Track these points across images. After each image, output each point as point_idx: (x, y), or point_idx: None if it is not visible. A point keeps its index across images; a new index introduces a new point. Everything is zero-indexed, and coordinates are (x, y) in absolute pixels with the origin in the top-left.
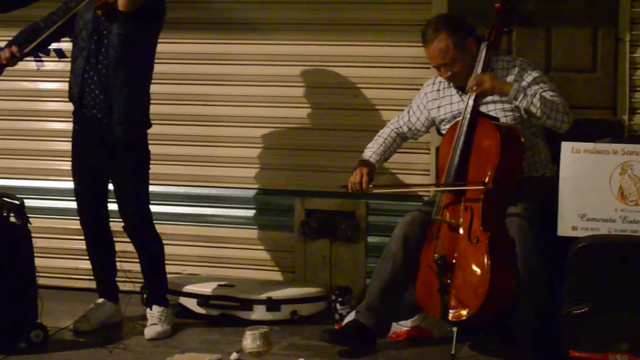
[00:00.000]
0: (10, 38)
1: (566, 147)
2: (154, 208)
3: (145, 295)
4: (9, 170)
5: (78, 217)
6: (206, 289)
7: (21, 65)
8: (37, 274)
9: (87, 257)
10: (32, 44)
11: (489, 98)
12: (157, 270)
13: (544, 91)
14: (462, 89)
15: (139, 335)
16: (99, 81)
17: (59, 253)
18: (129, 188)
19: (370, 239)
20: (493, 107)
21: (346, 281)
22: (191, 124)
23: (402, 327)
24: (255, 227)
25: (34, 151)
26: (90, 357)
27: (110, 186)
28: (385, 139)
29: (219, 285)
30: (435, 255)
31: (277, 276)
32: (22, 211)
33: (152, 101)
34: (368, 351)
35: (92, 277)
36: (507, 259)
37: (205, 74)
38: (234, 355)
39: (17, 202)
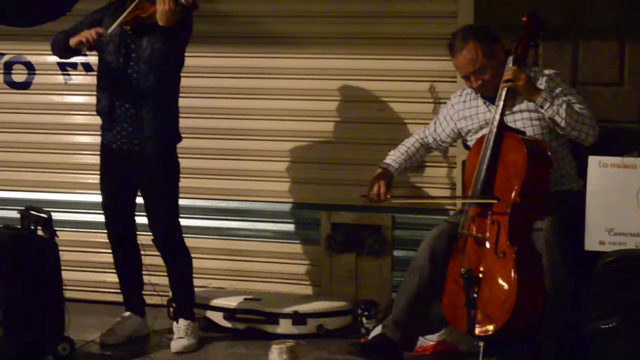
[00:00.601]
0: (42, 52)
1: (593, 161)
2: (181, 221)
3: (172, 309)
4: (37, 183)
5: (105, 230)
6: (232, 302)
7: (48, 79)
8: (64, 286)
9: (114, 270)
10: (113, 25)
11: (515, 107)
12: (185, 284)
13: (572, 103)
14: (489, 99)
15: (165, 348)
16: (129, 95)
17: (86, 266)
18: (159, 201)
19: (397, 253)
20: (520, 117)
21: (372, 295)
22: (217, 138)
23: (428, 341)
24: (282, 240)
25: (61, 164)
26: None
27: (140, 199)
28: (409, 147)
29: (245, 298)
30: (462, 269)
31: (303, 290)
32: (49, 224)
33: (180, 115)
34: None
35: (119, 291)
36: (534, 273)
37: (233, 88)
38: None
39: (45, 215)
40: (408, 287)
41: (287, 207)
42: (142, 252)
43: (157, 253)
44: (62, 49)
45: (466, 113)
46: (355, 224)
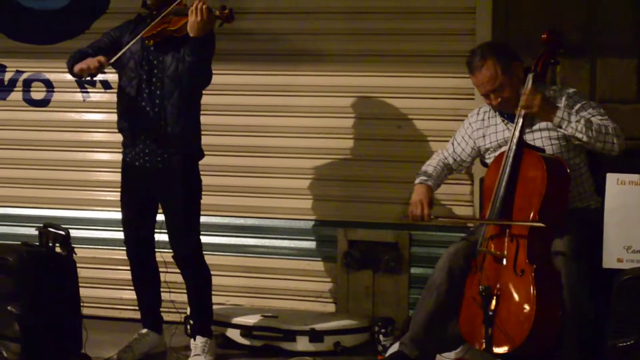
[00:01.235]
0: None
1: (611, 178)
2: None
3: (189, 326)
4: (55, 200)
5: (122, 248)
6: (249, 319)
7: (67, 96)
8: (81, 304)
9: (132, 287)
10: (117, 55)
11: (535, 126)
12: (204, 301)
13: (592, 116)
14: (508, 117)
15: None
16: (152, 111)
17: (104, 283)
18: (181, 218)
19: (414, 270)
20: (539, 136)
21: (389, 312)
22: (236, 155)
23: (445, 358)
24: (299, 257)
25: (79, 182)
26: None
27: (160, 216)
28: (435, 167)
29: (262, 316)
30: (480, 286)
31: (320, 307)
32: (67, 241)
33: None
34: None
35: (137, 308)
36: (552, 291)
37: (253, 105)
38: None
39: (63, 233)
40: (425, 305)
41: (304, 225)
42: (164, 269)
43: (177, 270)
44: (69, 70)
45: (485, 131)
46: (372, 241)
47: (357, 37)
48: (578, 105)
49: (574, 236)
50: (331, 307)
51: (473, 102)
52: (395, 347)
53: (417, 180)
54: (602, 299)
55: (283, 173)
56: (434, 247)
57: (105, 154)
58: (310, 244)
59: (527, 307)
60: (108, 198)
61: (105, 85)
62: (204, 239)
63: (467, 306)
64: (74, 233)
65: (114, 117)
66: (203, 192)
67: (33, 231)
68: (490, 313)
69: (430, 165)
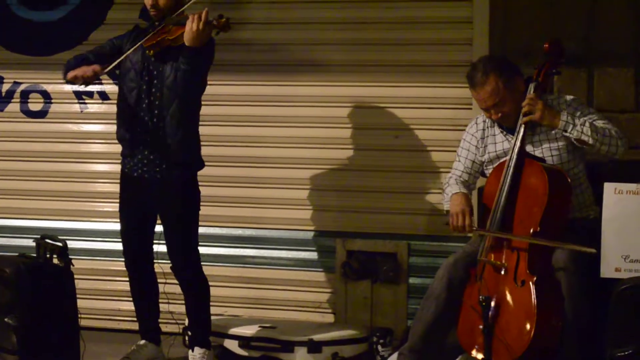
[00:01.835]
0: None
1: (609, 188)
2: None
3: (187, 337)
4: (52, 211)
5: (120, 259)
6: (248, 330)
7: (65, 107)
8: (79, 315)
9: (130, 299)
10: (112, 64)
11: (535, 137)
12: (202, 312)
13: (594, 120)
14: (507, 129)
15: None
16: (151, 121)
17: (102, 294)
18: (179, 229)
19: (412, 280)
20: (539, 146)
21: (388, 322)
22: (233, 165)
23: None
24: (297, 268)
25: (77, 193)
26: None
27: (159, 227)
28: (456, 183)
29: (261, 326)
30: (480, 296)
31: (318, 317)
32: (64, 253)
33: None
34: None
35: (135, 319)
36: (553, 302)
37: (249, 116)
38: None
39: (60, 244)
40: (425, 315)
41: (302, 235)
42: (163, 280)
43: (176, 281)
44: (64, 76)
45: (485, 142)
46: (371, 252)
47: (355, 47)
48: (578, 113)
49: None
50: (330, 318)
51: (471, 111)
52: (394, 358)
53: (452, 191)
54: (600, 308)
55: (281, 183)
56: (433, 257)
57: (103, 165)
58: (309, 255)
59: (527, 317)
60: (106, 209)
61: (103, 96)
62: (202, 250)
63: (466, 316)
64: (71, 244)
65: (112, 128)
66: (202, 203)
67: (30, 243)
68: (491, 323)
69: (451, 185)
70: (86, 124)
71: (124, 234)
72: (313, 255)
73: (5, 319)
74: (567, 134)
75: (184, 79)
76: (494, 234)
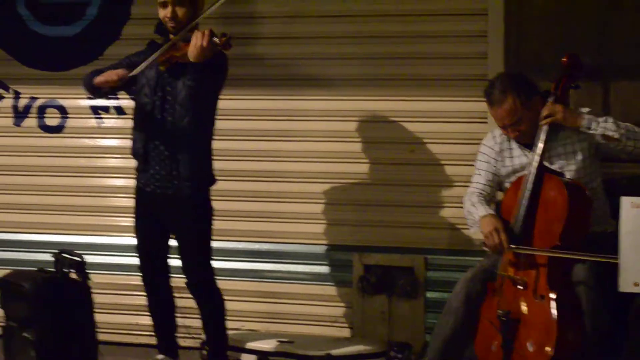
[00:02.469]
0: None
1: (625, 202)
2: (214, 264)
3: (205, 352)
4: (70, 226)
5: (138, 273)
6: (265, 345)
7: (81, 122)
8: (97, 329)
9: (148, 313)
10: (137, 69)
11: (552, 151)
12: (218, 327)
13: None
14: (526, 145)
15: None
16: (164, 137)
17: (119, 309)
18: (192, 244)
19: (429, 295)
20: (557, 160)
21: (405, 337)
22: (250, 180)
23: None
24: (314, 282)
25: (94, 207)
26: None
27: (173, 242)
28: (480, 201)
29: (278, 341)
30: (499, 311)
31: (336, 332)
32: (82, 267)
33: (213, 157)
34: None
35: (153, 333)
36: (573, 316)
37: (265, 130)
38: None
39: (78, 259)
40: (443, 330)
41: (319, 249)
42: (177, 295)
43: (191, 295)
44: (88, 85)
45: (501, 155)
46: (388, 266)
47: (370, 61)
48: (598, 118)
49: (593, 262)
50: (347, 332)
51: (486, 125)
52: None
53: (480, 214)
54: (619, 323)
55: (298, 198)
56: (450, 271)
57: (120, 179)
58: (326, 269)
59: (547, 332)
60: (123, 224)
61: (119, 111)
62: (219, 264)
63: (484, 330)
64: (89, 258)
65: (128, 142)
66: (219, 217)
67: (48, 257)
68: (509, 338)
69: (474, 204)
70: (103, 139)
71: (140, 249)
72: (330, 269)
73: (24, 334)
74: (592, 131)
75: (189, 95)
76: (531, 252)
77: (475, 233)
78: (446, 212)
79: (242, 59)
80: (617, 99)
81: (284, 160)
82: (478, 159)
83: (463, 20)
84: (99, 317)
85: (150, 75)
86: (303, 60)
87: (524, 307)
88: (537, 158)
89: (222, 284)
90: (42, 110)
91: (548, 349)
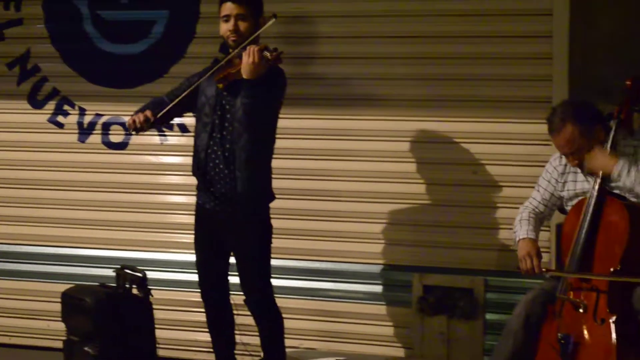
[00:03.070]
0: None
1: None
2: (273, 281)
3: None
4: (132, 242)
5: (198, 290)
6: None
7: (145, 139)
8: (157, 345)
9: (207, 330)
10: (164, 111)
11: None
12: (276, 345)
13: None
14: (590, 172)
15: None
16: (222, 155)
17: (179, 325)
18: (251, 262)
19: (489, 316)
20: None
21: (464, 359)
22: (310, 199)
23: None
24: (373, 302)
25: (155, 224)
26: None
27: (232, 259)
28: (528, 220)
29: None
30: (559, 334)
31: (394, 352)
32: (144, 283)
33: (273, 175)
34: None
35: (212, 350)
36: (634, 340)
37: (326, 149)
38: None
39: (140, 275)
40: (502, 352)
41: (378, 269)
42: (236, 312)
43: (249, 312)
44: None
45: (565, 178)
46: (447, 287)
47: (433, 82)
48: None
49: None
50: (405, 353)
51: (549, 148)
52: None
53: (519, 236)
54: None
55: (357, 217)
56: (510, 293)
57: (182, 196)
58: (385, 289)
59: (607, 356)
60: (184, 240)
61: (182, 128)
62: (279, 282)
63: (544, 353)
64: (149, 275)
65: (190, 160)
66: (279, 235)
67: (110, 273)
68: None
69: (524, 220)
70: (166, 156)
71: (199, 266)
72: (389, 289)
73: (85, 348)
74: (618, 184)
75: (244, 112)
76: (566, 275)
77: None
78: (506, 234)
79: (300, 78)
80: None
81: (343, 179)
82: (542, 175)
83: (528, 42)
84: (159, 333)
85: (210, 94)
86: (366, 80)
87: (583, 331)
88: (598, 181)
89: (282, 301)
90: (106, 127)
91: None
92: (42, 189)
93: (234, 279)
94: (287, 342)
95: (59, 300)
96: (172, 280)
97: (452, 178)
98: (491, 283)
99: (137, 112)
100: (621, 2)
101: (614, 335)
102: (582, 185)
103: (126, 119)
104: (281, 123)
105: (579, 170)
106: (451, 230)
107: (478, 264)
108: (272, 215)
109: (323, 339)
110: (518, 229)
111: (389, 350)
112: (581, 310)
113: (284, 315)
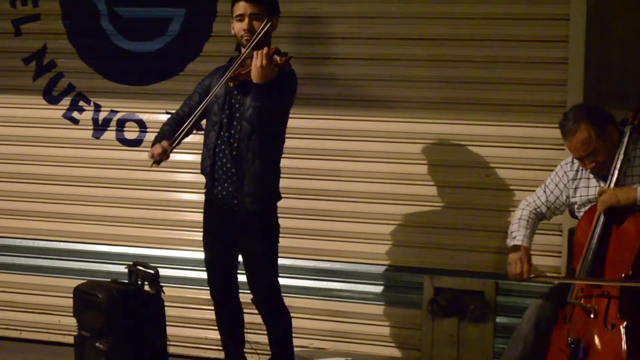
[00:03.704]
0: (154, 110)
1: None
2: (282, 281)
3: None
4: (144, 239)
5: (208, 287)
6: None
7: None
8: (168, 342)
9: (216, 327)
10: (180, 136)
11: (627, 179)
12: (284, 344)
13: None
14: (602, 177)
15: None
16: (230, 154)
17: (189, 322)
18: (258, 261)
19: (499, 319)
20: None
21: None
22: (320, 199)
23: None
24: (383, 303)
25: (168, 221)
26: None
27: (240, 258)
28: (528, 221)
29: None
30: (569, 338)
31: (403, 353)
32: (156, 280)
33: (282, 175)
34: None
35: (221, 348)
36: None
37: (336, 150)
38: None
39: (152, 271)
40: (512, 355)
41: (389, 270)
42: (245, 310)
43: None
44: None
45: (577, 184)
46: (458, 289)
47: (447, 85)
48: None
49: None
50: (415, 354)
51: (563, 152)
52: None
53: (512, 241)
54: None
55: (369, 218)
56: (520, 296)
57: (194, 194)
58: (396, 290)
59: None
60: (195, 238)
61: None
62: (288, 282)
63: (554, 357)
64: (161, 271)
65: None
66: (289, 235)
67: (123, 269)
68: None
69: (523, 219)
70: (179, 154)
71: (208, 263)
72: (400, 290)
73: (97, 344)
74: None
75: (253, 114)
76: (557, 280)
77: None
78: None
79: (309, 78)
80: None
81: (353, 180)
82: (550, 176)
83: (544, 47)
84: (169, 330)
85: (219, 93)
86: (380, 82)
87: (594, 336)
88: (612, 187)
89: (291, 301)
90: (121, 123)
91: None
92: (56, 184)
93: (244, 278)
94: (297, 342)
95: (71, 295)
96: (183, 278)
97: (464, 181)
98: (502, 286)
99: (154, 142)
100: (637, 8)
101: (624, 341)
102: (595, 191)
103: (141, 116)
104: (292, 123)
105: (591, 176)
106: (463, 232)
107: (489, 267)
108: (281, 214)
109: (333, 339)
110: (516, 229)
111: (398, 352)
112: (592, 315)
113: (294, 315)
